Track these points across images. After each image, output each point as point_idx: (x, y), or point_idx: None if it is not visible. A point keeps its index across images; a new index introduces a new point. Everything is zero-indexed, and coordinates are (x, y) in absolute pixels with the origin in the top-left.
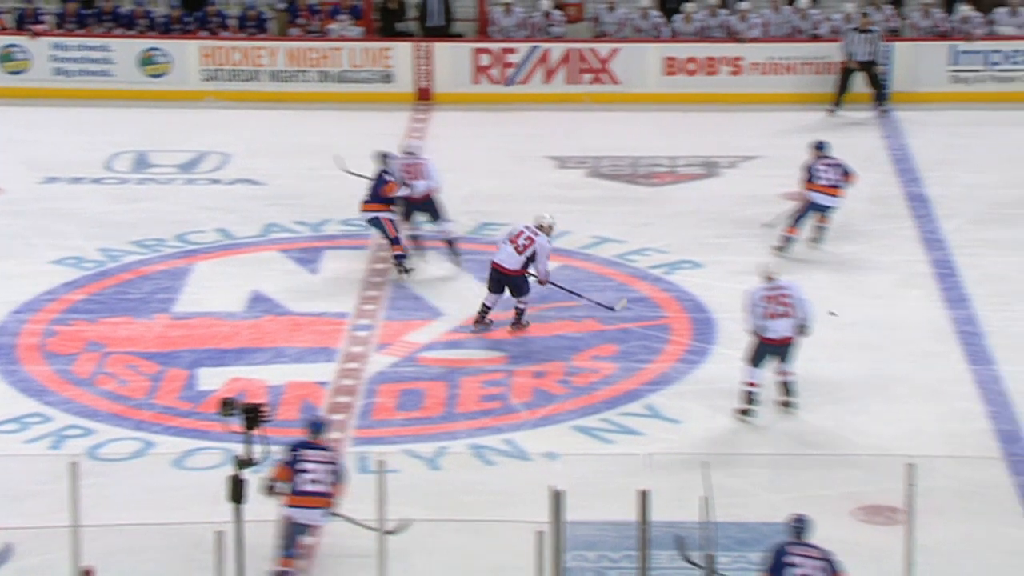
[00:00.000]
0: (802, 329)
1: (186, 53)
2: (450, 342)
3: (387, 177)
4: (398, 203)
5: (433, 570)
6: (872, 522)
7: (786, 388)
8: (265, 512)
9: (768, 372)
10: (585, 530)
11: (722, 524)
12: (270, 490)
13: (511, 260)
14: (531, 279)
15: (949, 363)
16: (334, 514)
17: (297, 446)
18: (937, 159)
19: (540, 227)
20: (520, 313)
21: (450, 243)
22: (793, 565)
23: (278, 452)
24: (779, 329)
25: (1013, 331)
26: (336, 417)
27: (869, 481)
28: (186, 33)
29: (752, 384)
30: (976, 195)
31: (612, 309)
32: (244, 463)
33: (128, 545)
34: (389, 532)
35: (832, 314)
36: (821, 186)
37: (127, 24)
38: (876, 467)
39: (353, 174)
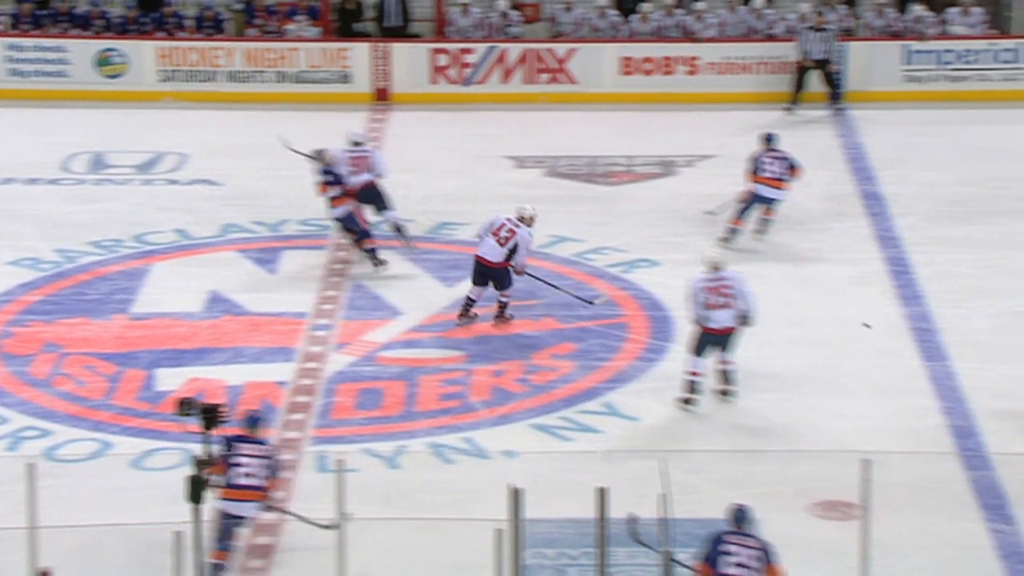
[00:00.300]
0: (744, 320)
1: (143, 54)
2: (409, 341)
3: (324, 177)
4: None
5: (392, 569)
6: (828, 517)
7: (725, 377)
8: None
9: (710, 361)
10: (544, 527)
11: (680, 520)
12: (207, 484)
13: (494, 253)
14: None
15: (903, 359)
16: (272, 508)
17: (232, 440)
18: (891, 157)
19: (521, 219)
20: (503, 307)
21: (398, 229)
22: (728, 553)
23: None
24: (720, 319)
25: (966, 327)
26: (295, 417)
27: (825, 476)
28: (143, 34)
29: (694, 373)
30: (929, 193)
31: (591, 303)
32: (203, 463)
33: (86, 546)
34: (327, 527)
35: (867, 326)
36: (766, 178)
37: (83, 25)
38: (832, 463)
39: (296, 152)
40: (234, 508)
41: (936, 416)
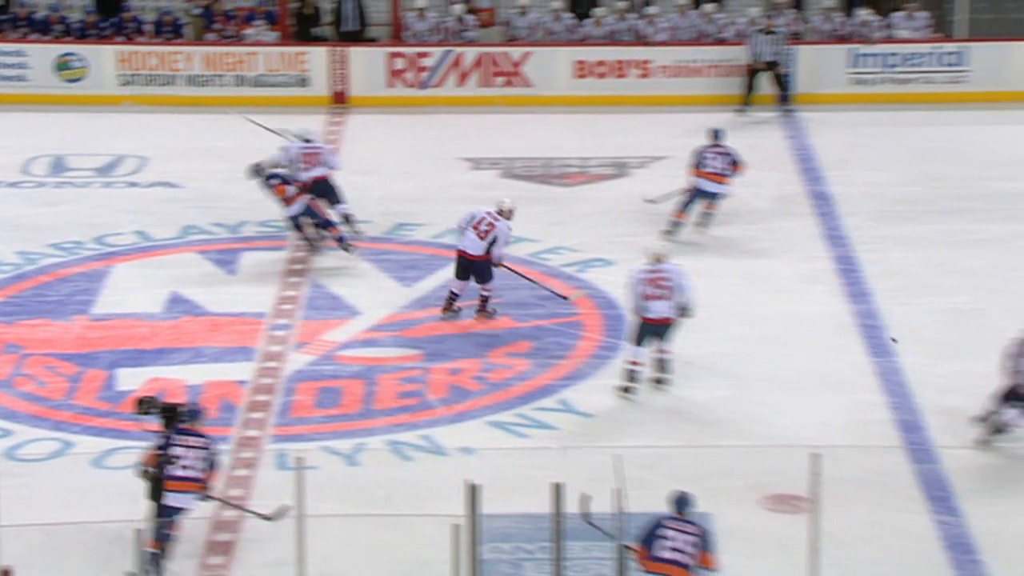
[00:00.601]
0: (682, 311)
1: (102, 58)
2: (367, 340)
3: (273, 182)
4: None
5: (352, 564)
6: (778, 510)
7: (661, 365)
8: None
9: (648, 351)
10: (501, 522)
11: (634, 515)
12: (144, 475)
13: (475, 246)
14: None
15: (851, 355)
16: (209, 498)
17: (171, 433)
18: (839, 158)
19: (500, 212)
20: (485, 300)
21: (347, 219)
22: (665, 537)
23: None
24: (657, 310)
25: (912, 323)
26: (255, 415)
27: (775, 471)
28: (102, 38)
29: (633, 362)
30: (876, 192)
31: (566, 299)
32: (163, 461)
33: (47, 544)
34: (268, 518)
35: (894, 340)
36: (707, 173)
37: (43, 29)
38: (782, 457)
39: (258, 125)
40: (172, 499)
41: (883, 411)
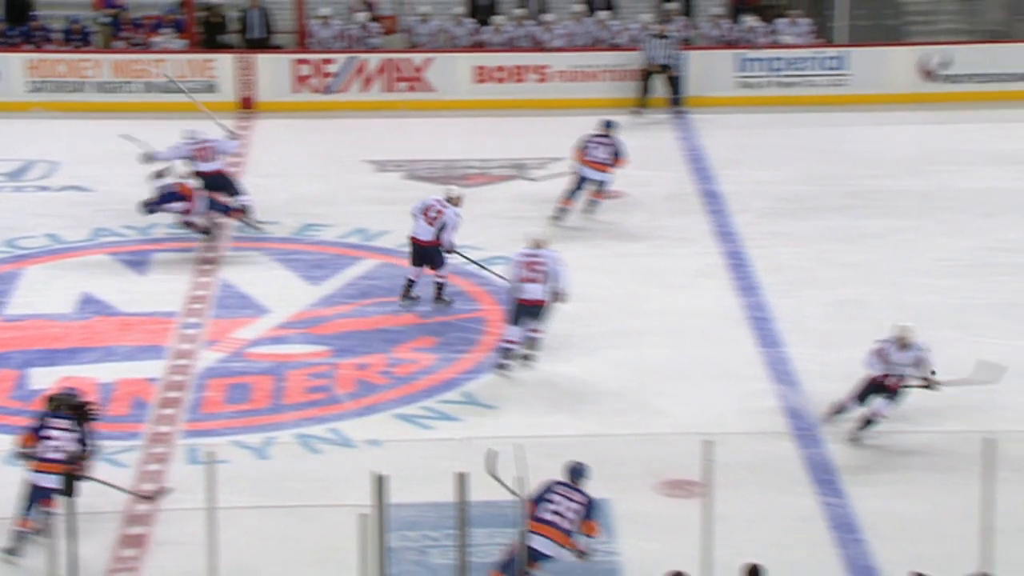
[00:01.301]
0: (556, 295)
1: (11, 66)
2: (276, 338)
3: (174, 187)
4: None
5: (263, 555)
6: (673, 495)
7: (532, 343)
8: (99, 504)
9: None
10: (407, 512)
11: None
12: (21, 456)
13: (425, 232)
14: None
15: (742, 347)
16: (81, 479)
17: (44, 415)
18: (728, 158)
19: (449, 199)
20: (440, 288)
21: (244, 211)
22: (551, 501)
23: (106, 447)
24: (530, 291)
25: (799, 316)
26: (166, 412)
27: (669, 458)
28: (11, 46)
29: (509, 341)
30: (764, 191)
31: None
32: (75, 457)
33: None
34: (147, 497)
35: (932, 373)
36: (590, 160)
37: None
38: (676, 444)
39: (133, 141)
40: (42, 480)
41: (772, 399)
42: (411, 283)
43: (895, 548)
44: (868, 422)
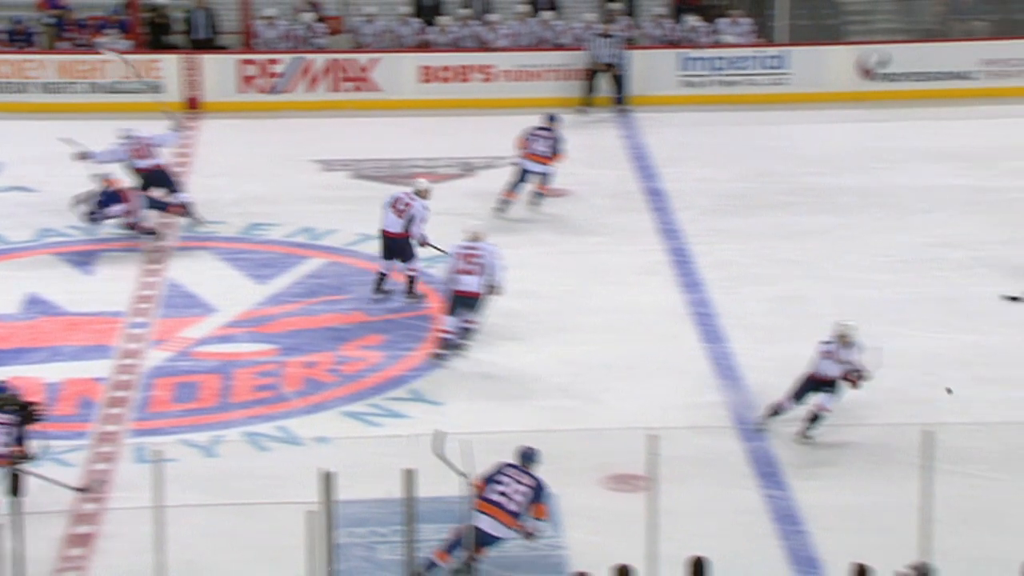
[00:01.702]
0: (491, 288)
1: None
2: (223, 336)
3: (109, 189)
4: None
5: (210, 552)
6: (618, 489)
7: (465, 332)
8: (46, 503)
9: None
10: (355, 508)
11: None
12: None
13: (394, 224)
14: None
15: (685, 342)
16: (17, 471)
17: None
18: (671, 156)
19: (417, 192)
20: (412, 280)
21: (184, 208)
22: (499, 482)
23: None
24: (465, 283)
25: (741, 311)
26: (114, 411)
27: (615, 452)
28: None
29: (444, 331)
30: (707, 188)
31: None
32: (21, 458)
33: None
34: (82, 490)
35: (949, 391)
36: (529, 153)
37: None
38: (621, 439)
39: (71, 144)
40: None
41: (716, 393)
42: (383, 276)
43: (836, 539)
44: (815, 418)
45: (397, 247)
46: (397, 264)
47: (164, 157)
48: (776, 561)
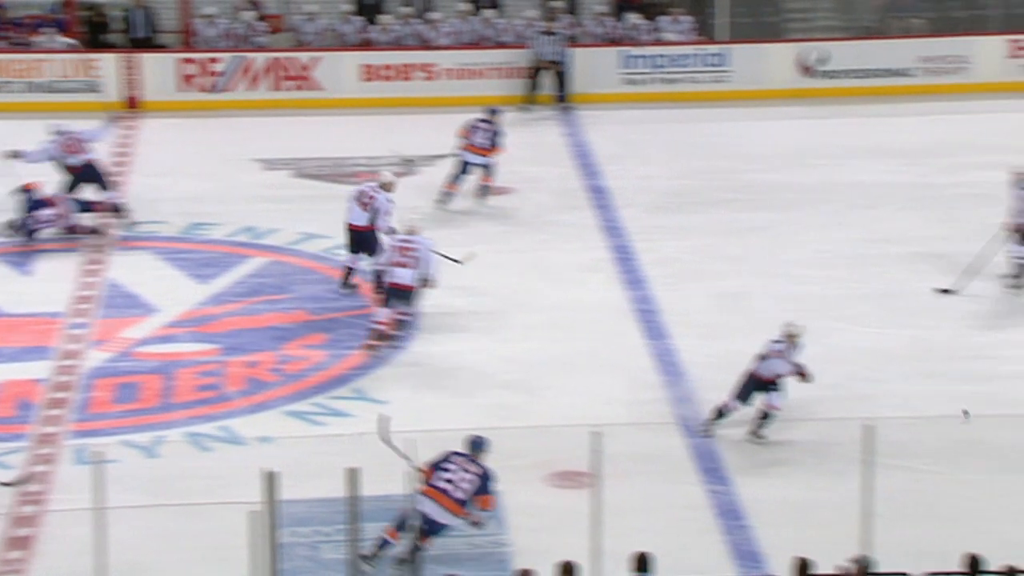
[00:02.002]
0: (424, 281)
1: None
2: (165, 337)
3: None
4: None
5: (153, 553)
6: (562, 486)
7: (398, 324)
8: None
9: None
10: (298, 508)
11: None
12: None
13: (359, 217)
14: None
15: (629, 339)
16: None
17: None
18: (614, 154)
19: (382, 185)
20: (379, 276)
21: (116, 209)
22: (446, 469)
23: None
24: (399, 276)
25: (684, 308)
26: (54, 412)
27: (558, 449)
28: None
29: (378, 322)
30: (649, 186)
31: (460, 262)
32: None
33: None
34: (8, 484)
35: (965, 413)
36: (469, 145)
37: None
38: (565, 436)
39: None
40: None
41: (658, 389)
42: (350, 271)
43: (779, 534)
44: (765, 417)
45: (363, 240)
46: (363, 257)
47: (96, 153)
48: (719, 556)
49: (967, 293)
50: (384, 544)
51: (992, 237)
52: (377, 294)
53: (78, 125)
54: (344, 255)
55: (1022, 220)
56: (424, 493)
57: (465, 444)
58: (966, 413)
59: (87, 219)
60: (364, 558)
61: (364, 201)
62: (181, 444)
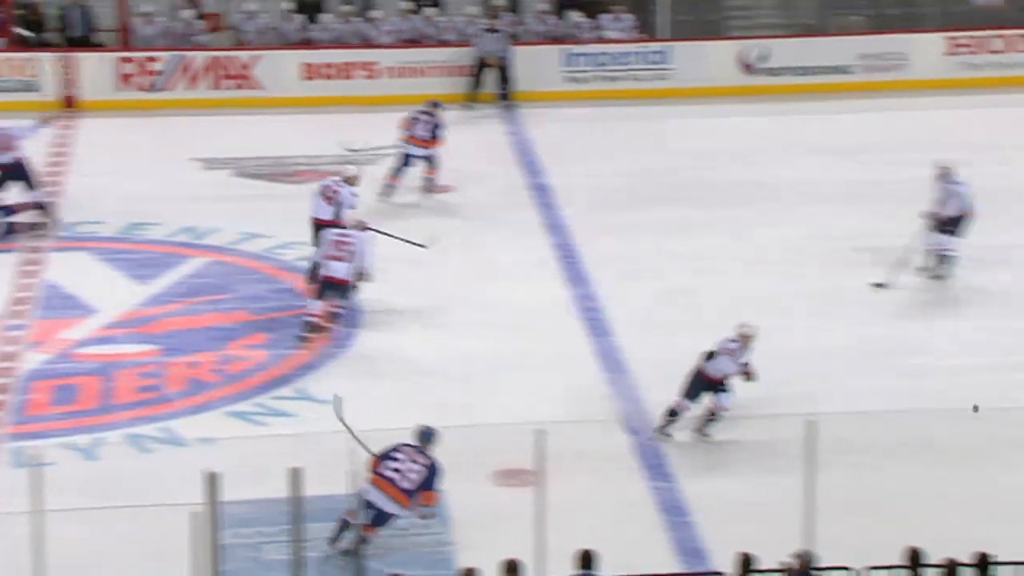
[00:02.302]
0: (360, 275)
1: None
2: (104, 338)
3: None
4: None
5: (93, 555)
6: (506, 484)
7: (332, 317)
8: None
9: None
10: (241, 509)
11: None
12: None
13: (324, 211)
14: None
15: (573, 337)
16: None
17: None
18: (556, 152)
19: (345, 179)
20: (314, 268)
21: (42, 207)
22: (395, 459)
23: None
24: (334, 270)
25: (627, 306)
26: None
27: (502, 447)
28: None
29: (311, 315)
30: (592, 184)
31: (424, 247)
32: None
33: None
34: None
35: (976, 409)
36: (410, 137)
37: None
38: (508, 434)
39: None
40: None
41: (602, 387)
42: (317, 265)
43: (722, 530)
44: (712, 416)
45: None
46: None
47: (24, 151)
48: (663, 552)
49: (899, 286)
50: (345, 526)
51: (917, 229)
52: (311, 287)
53: (8, 123)
54: (310, 250)
55: (944, 212)
56: (371, 482)
57: (414, 435)
58: (976, 408)
59: (23, 218)
60: (333, 541)
61: (328, 195)
62: (121, 446)
